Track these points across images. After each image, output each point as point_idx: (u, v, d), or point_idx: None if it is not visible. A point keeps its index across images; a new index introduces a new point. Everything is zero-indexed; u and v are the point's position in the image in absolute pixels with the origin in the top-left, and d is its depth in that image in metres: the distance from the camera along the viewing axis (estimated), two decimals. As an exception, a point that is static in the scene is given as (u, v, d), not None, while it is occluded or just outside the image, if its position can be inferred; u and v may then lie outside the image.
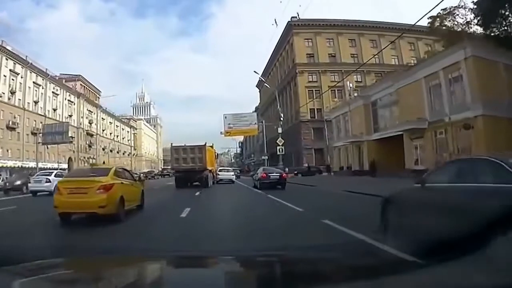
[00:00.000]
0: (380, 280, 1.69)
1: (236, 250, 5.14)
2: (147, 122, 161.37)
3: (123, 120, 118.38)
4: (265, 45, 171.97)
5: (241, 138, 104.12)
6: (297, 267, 2.18)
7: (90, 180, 8.63)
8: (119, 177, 9.52)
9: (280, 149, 32.86)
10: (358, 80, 54.33)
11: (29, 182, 20.77)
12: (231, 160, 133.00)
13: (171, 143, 25.16)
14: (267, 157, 46.22)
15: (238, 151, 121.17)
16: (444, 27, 27.94)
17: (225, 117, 49.78)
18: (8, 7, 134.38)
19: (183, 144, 24.63)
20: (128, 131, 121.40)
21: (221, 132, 50.07)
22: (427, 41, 55.39)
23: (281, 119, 35.89)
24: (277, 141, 32.97)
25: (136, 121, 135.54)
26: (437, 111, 23.67)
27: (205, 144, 24.45)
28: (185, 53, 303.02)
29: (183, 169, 23.40)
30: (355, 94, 40.21)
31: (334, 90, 52.74)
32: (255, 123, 50.42)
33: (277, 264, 2.32)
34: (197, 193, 18.20)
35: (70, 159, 74.52)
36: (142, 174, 46.20)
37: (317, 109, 51.60)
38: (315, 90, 50.95)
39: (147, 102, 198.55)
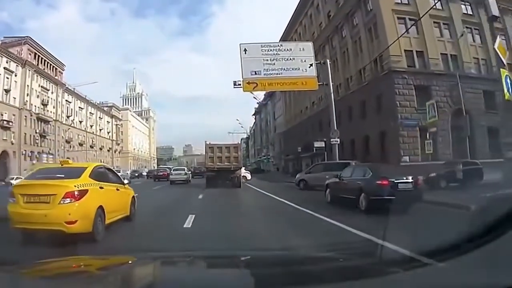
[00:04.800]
0: (381, 280, 1.69)
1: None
2: (138, 115, 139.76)
3: (101, 107, 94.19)
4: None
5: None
6: (299, 267, 2.16)
7: (53, 184, 6.32)
8: (99, 179, 7.26)
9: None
10: (468, 12, 31.45)
11: None
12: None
13: (205, 141, 23.16)
14: (337, 141, 22.43)
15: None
16: None
17: (245, 51, 24.02)
18: (8, 7, 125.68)
19: (217, 142, 23.05)
20: (108, 121, 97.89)
21: (235, 84, 24.63)
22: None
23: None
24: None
25: (120, 111, 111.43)
26: None
27: (240, 143, 24.73)
28: (185, 53, 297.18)
29: (218, 168, 22.06)
30: None
31: (439, 22, 29.36)
32: (311, 66, 23.52)
33: (279, 264, 2.32)
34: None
35: (4, 153, 50.65)
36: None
37: (417, 51, 27.31)
38: (409, 19, 27.12)
39: (138, 93, 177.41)
